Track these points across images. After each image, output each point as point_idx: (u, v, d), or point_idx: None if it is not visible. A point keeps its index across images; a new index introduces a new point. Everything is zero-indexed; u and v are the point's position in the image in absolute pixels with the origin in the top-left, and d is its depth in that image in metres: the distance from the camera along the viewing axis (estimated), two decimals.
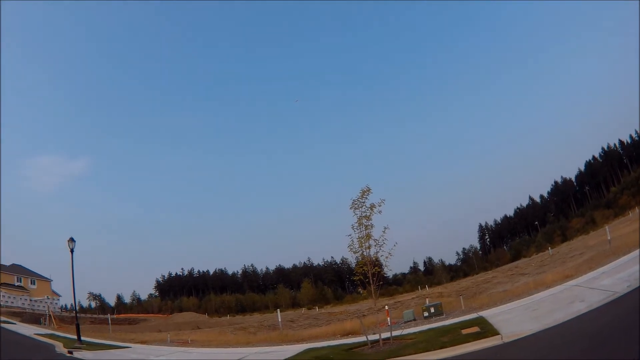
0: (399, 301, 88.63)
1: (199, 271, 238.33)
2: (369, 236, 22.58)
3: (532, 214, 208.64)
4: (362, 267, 22.68)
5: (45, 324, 59.75)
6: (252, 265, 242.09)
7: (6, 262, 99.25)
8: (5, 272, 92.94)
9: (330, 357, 20.03)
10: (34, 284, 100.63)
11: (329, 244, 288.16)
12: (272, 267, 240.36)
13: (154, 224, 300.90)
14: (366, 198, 22.81)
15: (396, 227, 22.64)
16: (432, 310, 36.04)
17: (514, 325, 18.21)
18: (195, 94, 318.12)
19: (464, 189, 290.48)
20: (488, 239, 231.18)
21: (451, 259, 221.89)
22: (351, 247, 23.03)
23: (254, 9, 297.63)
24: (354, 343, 24.43)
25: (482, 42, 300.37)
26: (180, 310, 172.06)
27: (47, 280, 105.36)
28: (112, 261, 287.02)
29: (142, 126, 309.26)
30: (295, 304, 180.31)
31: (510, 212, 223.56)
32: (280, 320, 54.21)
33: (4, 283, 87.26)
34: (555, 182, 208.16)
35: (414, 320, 36.75)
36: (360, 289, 29.98)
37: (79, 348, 30.81)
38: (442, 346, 17.22)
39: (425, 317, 35.52)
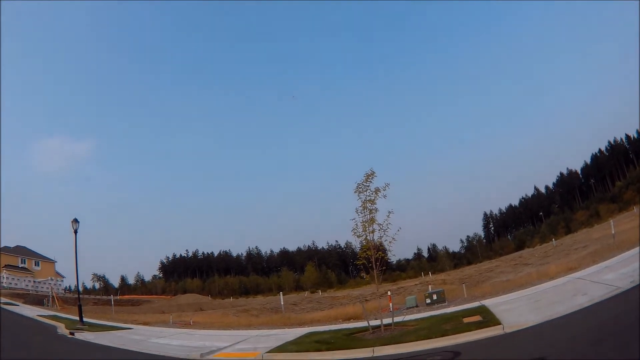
0: (402, 287, 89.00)
1: (203, 253, 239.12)
2: (373, 220, 22.44)
3: (537, 204, 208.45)
4: (365, 251, 22.58)
5: (48, 306, 60.00)
6: (256, 247, 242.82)
7: (10, 243, 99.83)
8: (10, 253, 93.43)
9: (331, 341, 20.05)
10: (38, 265, 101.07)
11: (333, 227, 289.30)
12: (276, 250, 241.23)
13: (159, 206, 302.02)
14: (371, 182, 22.67)
15: (401, 212, 22.57)
16: (435, 297, 36.15)
17: (516, 315, 18.18)
18: (200, 76, 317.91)
19: (470, 177, 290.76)
20: (492, 228, 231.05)
21: (455, 247, 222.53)
22: (355, 230, 22.89)
23: None
24: (355, 328, 24.49)
25: (496, 35, 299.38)
26: (184, 291, 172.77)
27: (51, 262, 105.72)
28: (116, 243, 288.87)
29: (147, 109, 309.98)
30: (298, 287, 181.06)
31: (515, 202, 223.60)
32: (282, 303, 54.35)
33: (8, 265, 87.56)
34: (561, 174, 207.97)
35: (417, 306, 36.91)
36: (363, 274, 30.08)
37: (81, 329, 30.92)
38: (444, 334, 17.19)
39: (428, 304, 35.66)
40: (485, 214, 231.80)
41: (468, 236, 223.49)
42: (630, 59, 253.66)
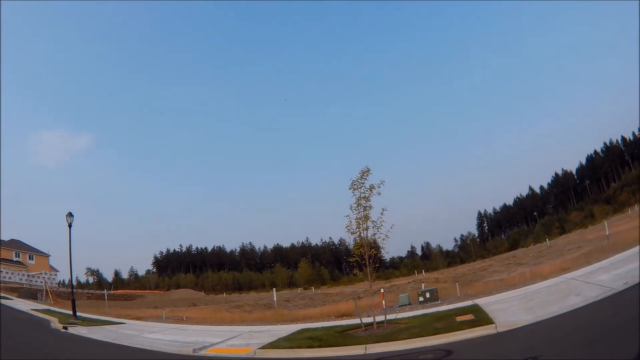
0: (395, 284, 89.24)
1: (197, 248, 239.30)
2: (367, 217, 22.43)
3: (532, 204, 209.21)
4: (359, 248, 22.58)
5: (42, 299, 59.94)
6: (250, 243, 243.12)
7: (5, 237, 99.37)
8: (4, 247, 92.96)
9: (323, 338, 20.04)
10: (32, 259, 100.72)
11: (327, 224, 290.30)
12: (270, 246, 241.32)
13: (154, 200, 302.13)
14: (365, 179, 22.65)
15: (395, 210, 22.56)
16: (428, 295, 36.18)
17: (508, 315, 18.18)
18: (199, 71, 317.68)
19: (465, 176, 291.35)
20: (486, 227, 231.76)
21: (449, 245, 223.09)
22: (349, 227, 22.88)
23: None
24: (348, 325, 24.51)
25: (487, 34, 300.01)
26: (177, 287, 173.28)
27: (46, 256, 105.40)
28: (111, 237, 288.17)
29: (144, 103, 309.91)
30: (292, 284, 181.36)
31: (509, 201, 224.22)
32: (275, 299, 54.38)
33: (2, 258, 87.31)
34: (556, 174, 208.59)
35: (409, 304, 36.89)
36: (356, 271, 30.09)
37: (74, 323, 30.87)
38: (436, 332, 17.20)
39: (421, 302, 35.67)
40: (479, 213, 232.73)
41: (462, 235, 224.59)
42: (628, 60, 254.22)
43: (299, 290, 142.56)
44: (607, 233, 46.85)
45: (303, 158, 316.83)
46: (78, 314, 35.21)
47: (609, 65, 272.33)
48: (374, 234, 22.37)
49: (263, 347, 19.50)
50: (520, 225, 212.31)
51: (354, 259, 22.86)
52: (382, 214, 22.28)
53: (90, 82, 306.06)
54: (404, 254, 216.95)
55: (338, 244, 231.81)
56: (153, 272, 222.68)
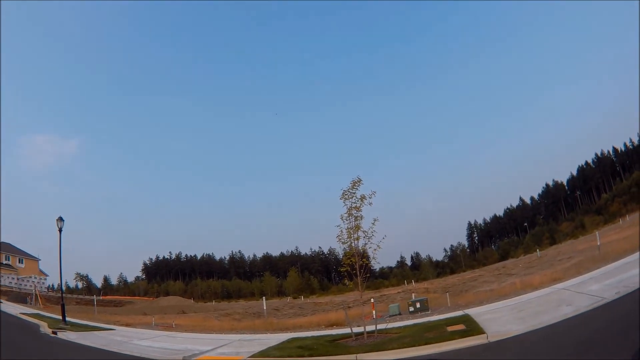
0: (384, 294, 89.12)
1: (186, 255, 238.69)
2: (358, 227, 22.40)
3: (522, 215, 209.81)
4: (349, 258, 22.53)
5: (31, 304, 59.60)
6: (239, 251, 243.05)
7: None
8: None
9: (313, 347, 19.95)
10: (22, 262, 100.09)
11: (317, 234, 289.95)
12: (259, 255, 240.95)
13: (144, 207, 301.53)
14: (357, 189, 22.64)
15: (385, 220, 22.52)
16: (418, 305, 36.15)
17: (499, 325, 18.15)
18: (189, 78, 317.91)
19: (455, 186, 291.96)
20: (476, 238, 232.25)
21: (438, 256, 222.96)
22: (340, 237, 22.83)
23: None
24: (338, 334, 24.39)
25: (477, 42, 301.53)
26: (167, 294, 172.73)
27: (35, 260, 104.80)
28: (100, 242, 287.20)
29: (134, 108, 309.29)
30: (281, 293, 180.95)
31: (500, 212, 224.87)
32: (265, 308, 54.19)
33: None
34: (547, 185, 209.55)
35: (400, 314, 36.90)
36: (347, 281, 29.98)
37: (64, 329, 30.66)
38: (427, 342, 17.13)
39: (411, 312, 35.65)
40: (469, 224, 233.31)
41: (452, 245, 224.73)
42: (621, 72, 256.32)
43: (288, 299, 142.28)
44: (599, 243, 46.91)
45: (293, 168, 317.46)
46: (67, 319, 34.97)
47: (602, 76, 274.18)
48: (365, 244, 22.33)
49: (253, 356, 19.40)
50: (511, 236, 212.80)
51: (344, 269, 22.78)
52: (373, 224, 22.28)
53: (80, 87, 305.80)
54: (393, 264, 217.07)
55: (327, 254, 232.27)
56: (142, 279, 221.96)
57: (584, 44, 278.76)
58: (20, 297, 63.27)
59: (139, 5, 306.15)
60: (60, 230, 35.04)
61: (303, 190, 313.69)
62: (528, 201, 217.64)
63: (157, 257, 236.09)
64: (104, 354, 21.88)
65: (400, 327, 23.85)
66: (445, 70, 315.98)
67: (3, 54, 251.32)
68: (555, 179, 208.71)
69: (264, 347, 21.70)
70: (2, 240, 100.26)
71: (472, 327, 18.61)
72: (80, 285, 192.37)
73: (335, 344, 20.72)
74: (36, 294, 64.67)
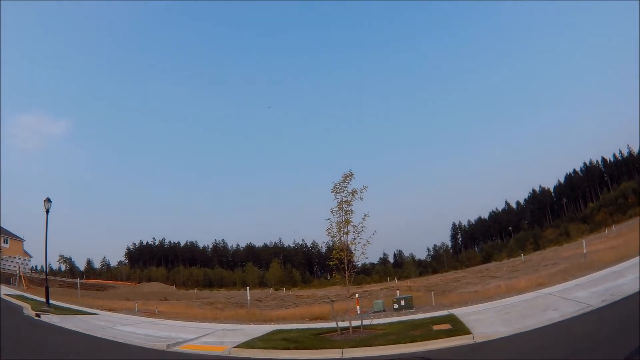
0: (367, 290, 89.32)
1: (170, 242, 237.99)
2: (348, 222, 22.37)
3: (507, 219, 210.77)
4: (339, 252, 22.49)
5: (15, 285, 59.29)
6: (223, 240, 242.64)
7: None
8: None
9: (299, 340, 19.93)
10: (7, 242, 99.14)
11: (301, 226, 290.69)
12: (242, 244, 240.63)
13: (130, 191, 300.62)
14: (348, 183, 22.61)
15: (370, 215, 22.47)
16: (403, 303, 36.24)
17: (485, 326, 18.18)
18: (180, 65, 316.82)
19: (441, 186, 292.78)
20: (460, 239, 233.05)
21: (421, 254, 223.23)
22: (329, 230, 22.79)
23: None
24: (322, 328, 24.33)
25: (468, 44, 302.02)
26: (149, 279, 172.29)
27: (20, 240, 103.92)
28: (85, 225, 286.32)
29: (126, 93, 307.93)
30: (262, 284, 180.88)
31: (485, 215, 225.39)
32: (249, 298, 54.15)
33: None
34: (534, 190, 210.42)
35: (384, 311, 36.94)
36: (334, 274, 29.96)
37: (47, 311, 30.52)
38: (413, 340, 17.14)
39: (395, 309, 35.73)
40: (454, 224, 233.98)
41: (435, 245, 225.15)
42: (612, 82, 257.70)
43: (270, 290, 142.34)
44: (585, 251, 47.20)
45: (280, 160, 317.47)
46: (50, 301, 34.75)
47: (593, 86, 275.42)
48: (354, 239, 22.31)
49: (238, 346, 19.34)
50: (495, 239, 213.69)
51: (333, 262, 22.74)
52: (363, 219, 22.26)
53: (71, 69, 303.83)
54: (376, 260, 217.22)
55: (311, 247, 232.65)
56: (125, 264, 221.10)
57: (576, 51, 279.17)
58: (4, 278, 62.89)
59: None
60: (47, 212, 34.75)
61: (289, 183, 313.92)
62: (514, 205, 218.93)
63: (141, 243, 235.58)
64: (87, 339, 21.75)
65: (385, 324, 23.85)
66: (435, 72, 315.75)
67: None
68: (542, 185, 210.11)
69: (248, 338, 21.65)
70: None
71: (458, 327, 18.64)
72: (63, 267, 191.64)
73: (320, 338, 20.69)
74: (20, 275, 64.32)
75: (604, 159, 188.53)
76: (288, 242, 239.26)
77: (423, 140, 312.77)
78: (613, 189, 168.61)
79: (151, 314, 41.47)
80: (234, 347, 19.10)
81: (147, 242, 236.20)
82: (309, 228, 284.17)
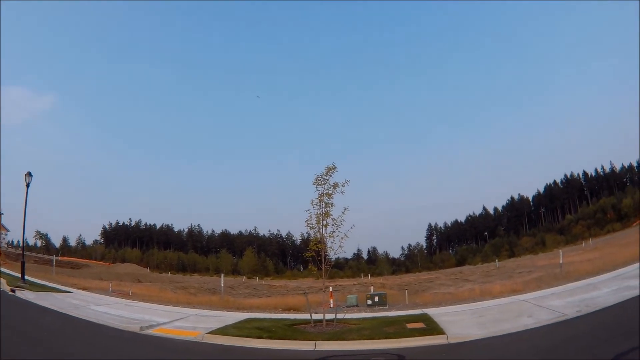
0: (340, 285, 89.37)
1: (145, 224, 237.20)
2: (327, 214, 22.41)
3: (484, 224, 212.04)
4: (316, 244, 22.50)
5: None
6: (198, 225, 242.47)
7: None
8: None
9: (272, 329, 19.94)
10: None
11: (276, 217, 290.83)
12: (217, 231, 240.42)
13: (109, 171, 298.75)
14: (330, 176, 22.64)
15: (349, 209, 22.54)
16: (377, 299, 36.40)
17: (459, 327, 18.28)
18: (167, 50, 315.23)
19: (419, 184, 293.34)
20: (435, 240, 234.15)
21: (395, 253, 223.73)
22: (308, 222, 22.82)
23: None
24: (296, 319, 24.37)
25: (455, 42, 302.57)
26: (123, 260, 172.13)
27: None
28: (62, 202, 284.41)
29: (113, 74, 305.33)
30: (235, 271, 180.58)
31: (461, 218, 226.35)
32: (222, 285, 54.05)
33: None
34: (512, 198, 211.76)
35: (357, 306, 37.06)
36: (310, 266, 30.21)
37: (22, 287, 30.28)
38: (387, 336, 17.25)
39: (368, 305, 35.88)
40: (429, 225, 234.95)
41: (410, 244, 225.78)
42: (597, 100, 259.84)
43: (244, 278, 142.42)
44: (561, 261, 47.61)
45: (260, 149, 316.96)
46: (26, 277, 34.50)
47: (583, 99, 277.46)
48: (333, 232, 22.35)
49: (211, 332, 19.31)
50: (470, 243, 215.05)
51: (310, 254, 22.76)
52: (343, 212, 22.33)
53: (60, 43, 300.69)
54: (350, 255, 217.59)
55: (285, 238, 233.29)
56: (100, 243, 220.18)
57: (570, 58, 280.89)
58: None
59: None
60: (27, 186, 34.42)
61: (269, 172, 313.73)
62: (491, 211, 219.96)
63: (117, 223, 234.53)
64: (61, 317, 21.64)
65: (359, 319, 23.95)
66: (422, 68, 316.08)
67: None
68: (521, 194, 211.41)
69: (221, 325, 21.64)
70: None
71: (431, 327, 18.75)
72: (39, 243, 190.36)
73: (293, 329, 20.71)
74: None
75: (585, 173, 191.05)
76: (263, 231, 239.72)
77: (404, 138, 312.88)
78: (592, 203, 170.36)
79: (125, 295, 41.29)
80: (207, 333, 19.07)
81: (124, 223, 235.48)
82: (285, 219, 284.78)
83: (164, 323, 21.94)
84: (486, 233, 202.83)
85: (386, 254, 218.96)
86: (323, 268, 22.58)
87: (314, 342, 17.32)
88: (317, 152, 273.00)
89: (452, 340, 15.92)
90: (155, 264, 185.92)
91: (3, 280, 31.93)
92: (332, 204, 22.54)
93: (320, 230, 22.59)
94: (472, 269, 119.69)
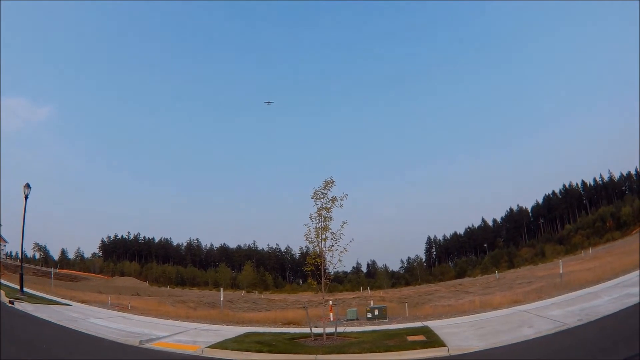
0: (339, 298, 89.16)
1: (144, 237, 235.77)
2: (326, 228, 22.41)
3: (483, 236, 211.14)
4: (315, 258, 22.50)
5: None
6: (197, 239, 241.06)
7: None
8: None
9: (272, 343, 19.88)
10: None
11: (275, 231, 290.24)
12: (216, 245, 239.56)
13: (108, 183, 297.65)
14: (329, 190, 22.67)
15: (347, 223, 22.52)
16: (376, 312, 36.28)
17: (460, 339, 18.24)
18: (172, 62, 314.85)
19: (417, 199, 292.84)
20: (434, 253, 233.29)
21: (395, 266, 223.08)
22: (307, 236, 22.83)
23: None
24: (296, 333, 24.40)
25: (461, 55, 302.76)
26: (122, 274, 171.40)
27: None
28: (61, 214, 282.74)
29: (110, 83, 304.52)
30: (234, 285, 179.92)
31: (460, 230, 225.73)
32: (222, 299, 53.96)
33: None
34: (511, 209, 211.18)
35: (357, 319, 36.94)
36: (310, 280, 30.12)
37: (21, 299, 30.19)
38: (388, 349, 17.19)
39: (369, 319, 35.76)
40: (428, 238, 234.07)
41: (409, 257, 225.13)
42: (592, 107, 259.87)
43: (243, 292, 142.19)
44: (561, 271, 47.57)
45: (259, 162, 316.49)
46: (24, 289, 34.46)
47: (580, 106, 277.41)
48: (332, 245, 22.33)
49: (211, 347, 19.25)
50: (469, 255, 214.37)
51: (309, 269, 22.74)
52: (342, 226, 22.33)
53: (58, 56, 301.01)
54: (349, 269, 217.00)
55: (284, 252, 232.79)
56: (99, 256, 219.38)
57: (567, 67, 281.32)
58: None
59: None
60: (26, 197, 34.50)
61: (266, 186, 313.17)
62: (490, 223, 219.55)
63: (116, 236, 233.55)
64: (59, 330, 21.59)
65: (359, 332, 23.89)
66: (425, 81, 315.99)
67: None
68: (520, 205, 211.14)
69: (221, 339, 21.58)
70: None
71: (432, 339, 18.69)
72: (37, 255, 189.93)
73: (294, 343, 20.67)
74: None
75: (584, 182, 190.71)
76: (262, 245, 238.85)
77: (402, 152, 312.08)
78: (591, 213, 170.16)
79: (124, 308, 41.24)
80: (207, 347, 19.02)
81: (122, 236, 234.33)
82: (284, 233, 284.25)
83: (164, 337, 21.87)
84: (485, 245, 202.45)
85: (385, 267, 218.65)
86: (322, 282, 22.53)
87: (314, 355, 17.29)
88: (319, 162, 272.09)
89: (453, 353, 15.88)
90: (154, 277, 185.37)
91: (2, 292, 31.84)
92: (330, 218, 22.54)
93: (320, 244, 22.56)
94: (472, 280, 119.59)
